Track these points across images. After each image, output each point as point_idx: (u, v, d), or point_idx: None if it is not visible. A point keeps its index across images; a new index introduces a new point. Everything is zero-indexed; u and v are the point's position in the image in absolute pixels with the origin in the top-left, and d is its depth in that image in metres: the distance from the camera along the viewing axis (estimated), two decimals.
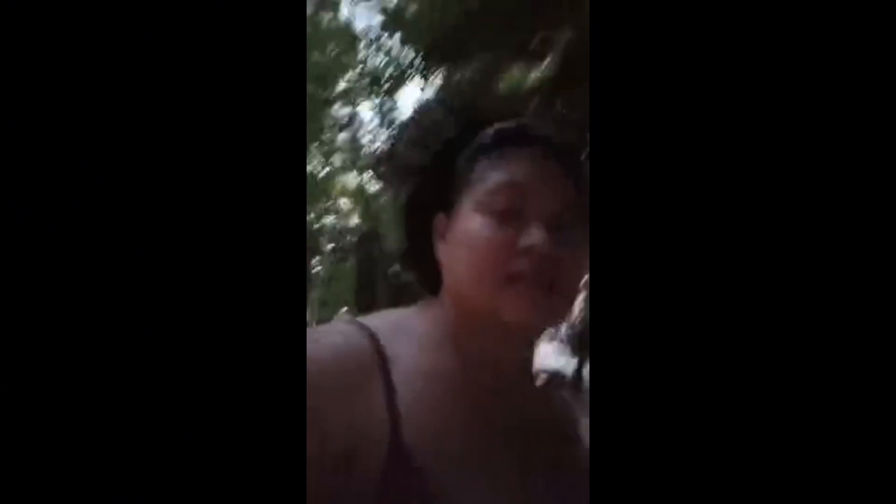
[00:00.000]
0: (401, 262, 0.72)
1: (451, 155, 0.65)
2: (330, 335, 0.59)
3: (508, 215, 0.59)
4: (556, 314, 0.60)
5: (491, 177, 0.61)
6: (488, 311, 0.59)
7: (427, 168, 0.67)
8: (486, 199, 0.60)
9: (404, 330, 0.63)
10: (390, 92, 9.80)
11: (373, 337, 0.58)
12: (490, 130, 0.65)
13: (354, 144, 12.97)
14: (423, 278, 0.69)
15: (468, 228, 0.61)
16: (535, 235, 0.57)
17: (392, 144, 0.74)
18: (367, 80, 10.46)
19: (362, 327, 0.59)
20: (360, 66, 10.90)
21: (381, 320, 0.63)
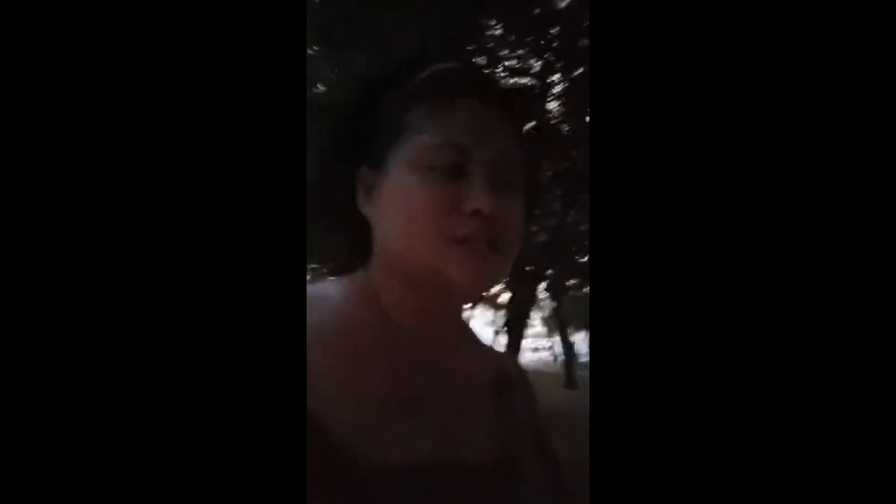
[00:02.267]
0: (324, 223, 0.65)
1: (377, 100, 0.59)
2: None
3: (450, 173, 0.54)
4: (498, 275, 0.57)
5: (428, 130, 0.55)
6: (431, 272, 0.55)
7: (351, 115, 0.61)
8: (424, 154, 0.55)
9: (320, 297, 0.58)
10: None
11: None
12: (424, 73, 0.57)
13: None
14: (351, 240, 0.63)
15: (406, 187, 0.55)
16: (481, 197, 0.54)
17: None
18: None
19: None
20: None
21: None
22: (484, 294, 0.60)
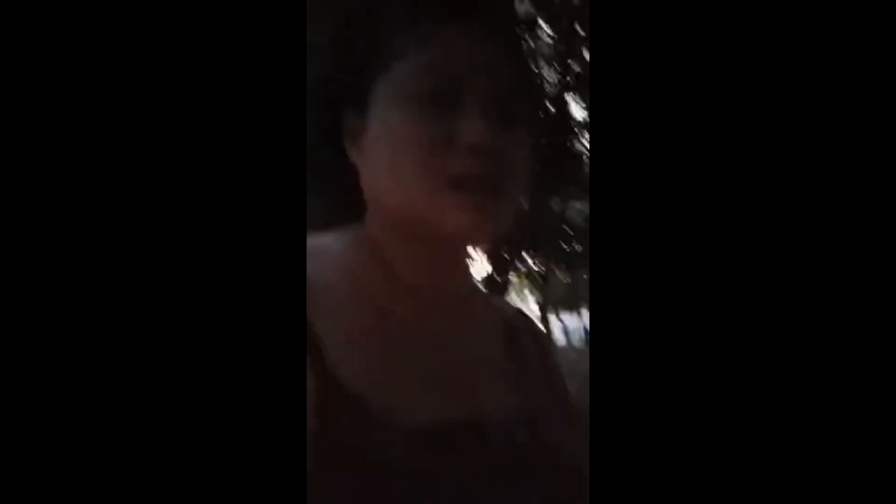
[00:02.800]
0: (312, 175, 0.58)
1: (359, 30, 0.52)
2: None
3: (439, 104, 0.48)
4: (501, 221, 0.50)
5: (415, 57, 0.48)
6: (425, 220, 0.49)
7: (330, 49, 0.54)
8: (408, 84, 0.48)
9: (319, 254, 0.52)
10: None
11: None
12: None
13: None
14: (338, 200, 0.56)
15: (391, 123, 0.49)
16: (477, 129, 0.47)
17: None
18: None
19: None
20: None
21: None
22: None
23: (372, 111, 0.51)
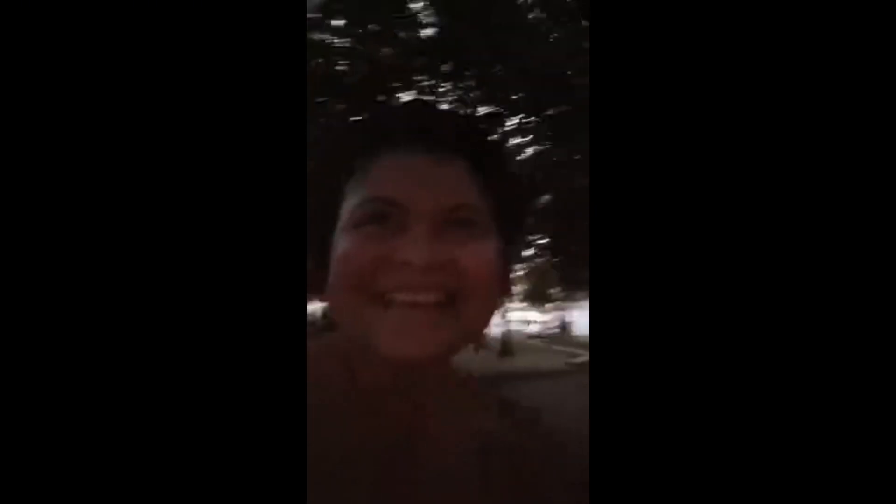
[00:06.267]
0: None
1: (337, 160, 0.55)
2: None
3: (380, 227, 0.49)
4: (462, 336, 0.50)
5: (359, 189, 0.51)
6: (367, 344, 0.48)
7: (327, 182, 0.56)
8: (355, 212, 0.50)
9: None
10: None
11: None
12: (361, 127, 0.54)
13: None
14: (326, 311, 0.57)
15: (337, 248, 0.51)
16: (409, 247, 0.47)
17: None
18: None
19: None
20: None
21: None
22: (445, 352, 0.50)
23: (335, 238, 0.53)
